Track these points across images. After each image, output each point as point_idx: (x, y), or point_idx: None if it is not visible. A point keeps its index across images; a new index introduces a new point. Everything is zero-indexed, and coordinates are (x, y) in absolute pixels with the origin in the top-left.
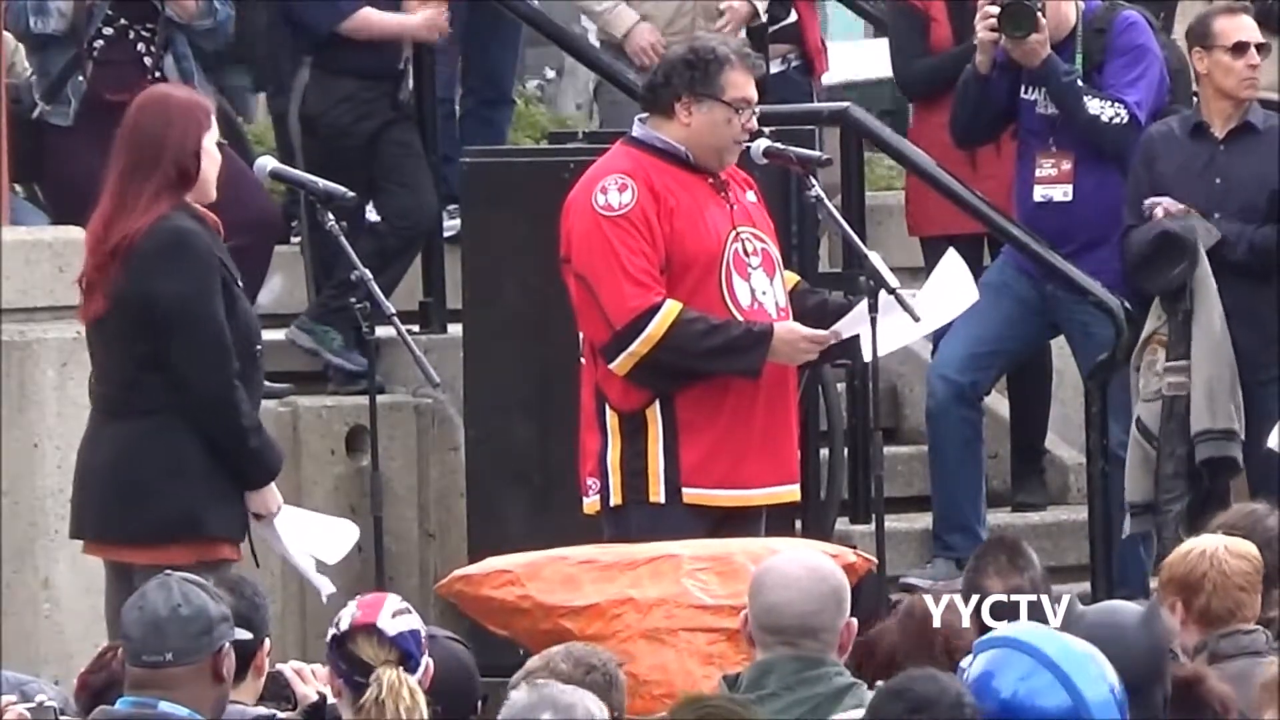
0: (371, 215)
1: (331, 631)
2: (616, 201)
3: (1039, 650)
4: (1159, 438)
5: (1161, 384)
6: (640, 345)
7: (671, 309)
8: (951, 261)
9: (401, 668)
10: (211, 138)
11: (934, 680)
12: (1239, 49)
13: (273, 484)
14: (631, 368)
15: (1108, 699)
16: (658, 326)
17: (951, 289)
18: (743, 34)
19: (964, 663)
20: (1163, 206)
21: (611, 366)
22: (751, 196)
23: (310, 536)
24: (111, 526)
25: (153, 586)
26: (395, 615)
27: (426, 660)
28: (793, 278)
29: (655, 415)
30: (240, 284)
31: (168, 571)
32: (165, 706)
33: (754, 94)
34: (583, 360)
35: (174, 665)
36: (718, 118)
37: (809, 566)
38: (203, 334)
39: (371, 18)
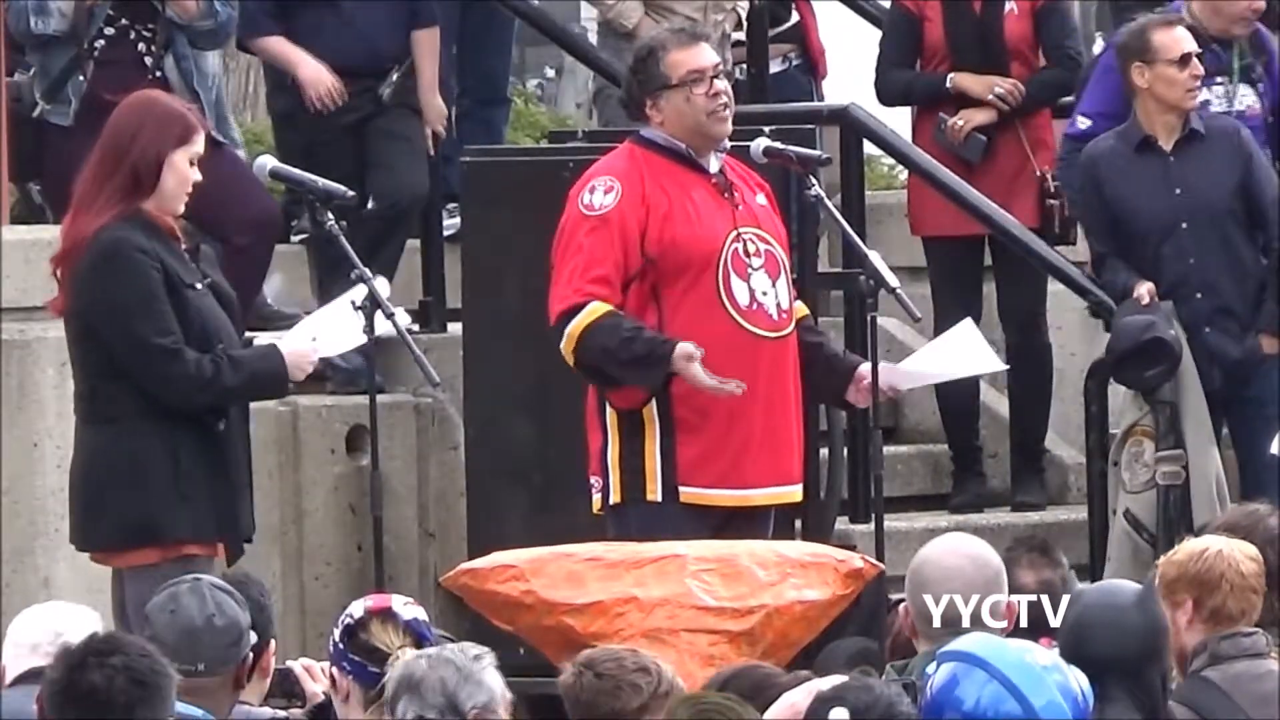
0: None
1: (344, 622)
2: (598, 202)
3: (990, 663)
4: (1153, 529)
5: (1154, 474)
6: (565, 343)
7: (592, 311)
8: (966, 329)
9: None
10: (186, 153)
11: (868, 689)
12: (1184, 61)
13: (289, 352)
14: (574, 364)
15: (1060, 707)
16: (575, 326)
17: (963, 351)
18: (740, 34)
19: (929, 668)
20: (1147, 288)
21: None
22: (761, 199)
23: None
24: (81, 534)
25: (185, 592)
26: (406, 604)
27: None
28: (800, 309)
29: (653, 414)
30: (198, 285)
31: (196, 575)
32: (179, 707)
33: (705, 59)
34: None
35: (204, 675)
36: (678, 102)
37: (969, 555)
38: (136, 343)
39: (271, 47)
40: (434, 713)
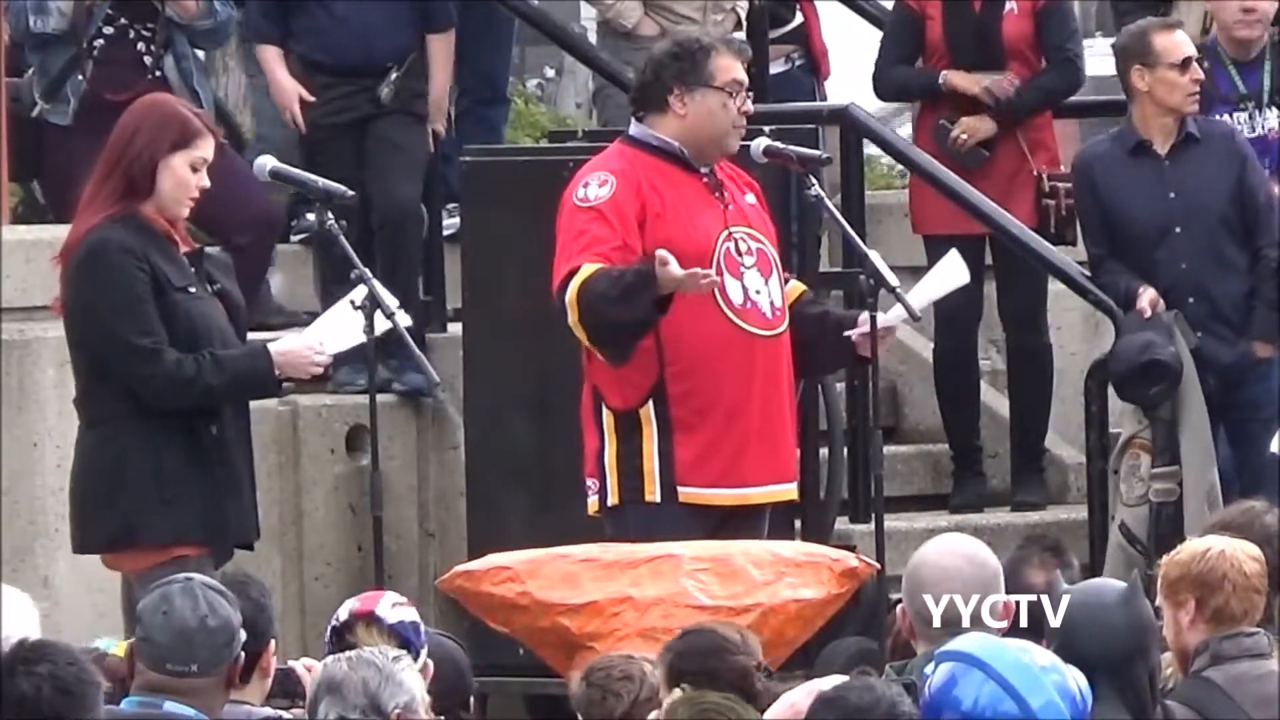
0: None
1: (330, 624)
2: (594, 194)
3: (988, 664)
4: (1146, 543)
5: (1147, 489)
6: (570, 314)
7: (584, 271)
8: (952, 258)
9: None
10: (186, 157)
11: (869, 690)
12: (1185, 65)
13: (281, 351)
14: (584, 333)
15: (1057, 707)
16: (571, 291)
17: (946, 274)
18: (739, 34)
19: (927, 669)
20: (1148, 299)
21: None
22: (751, 198)
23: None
24: (76, 537)
25: (177, 592)
26: (394, 606)
27: (425, 659)
28: (798, 288)
29: (650, 414)
30: (189, 289)
31: (188, 575)
32: (170, 706)
33: (744, 76)
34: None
35: (198, 676)
36: (712, 104)
37: (965, 555)
38: (116, 342)
39: (261, 56)
40: (356, 713)
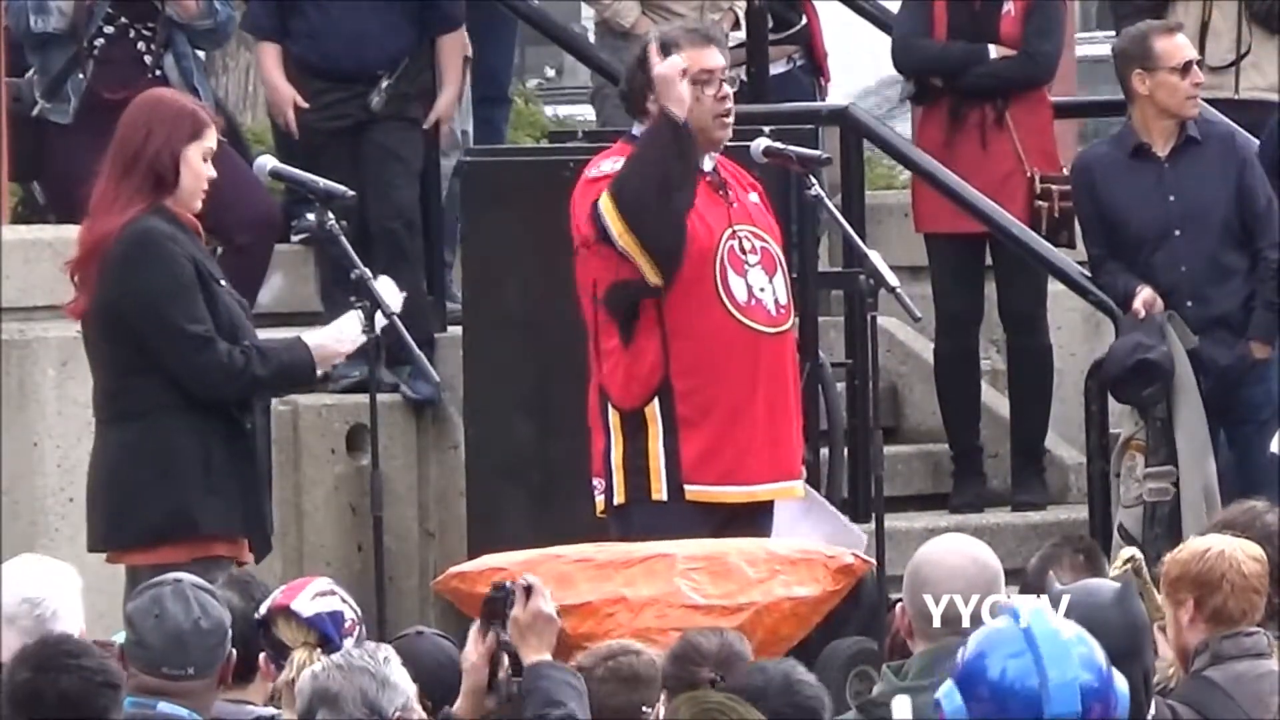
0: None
1: (255, 615)
2: (609, 168)
3: (1028, 628)
4: (1142, 544)
5: (1142, 490)
6: (615, 225)
7: (605, 191)
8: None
9: (319, 649)
10: (199, 148)
11: (761, 671)
12: (1185, 69)
13: (316, 345)
14: (626, 224)
15: (1071, 688)
16: (605, 199)
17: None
18: (740, 34)
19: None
20: (1142, 299)
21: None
22: (754, 198)
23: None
24: (107, 534)
25: (169, 595)
26: (316, 597)
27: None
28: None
29: (655, 413)
30: (221, 282)
31: (177, 576)
32: (164, 707)
33: (715, 62)
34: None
35: (193, 678)
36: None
37: (970, 556)
38: (170, 330)
39: (259, 55)
40: None
